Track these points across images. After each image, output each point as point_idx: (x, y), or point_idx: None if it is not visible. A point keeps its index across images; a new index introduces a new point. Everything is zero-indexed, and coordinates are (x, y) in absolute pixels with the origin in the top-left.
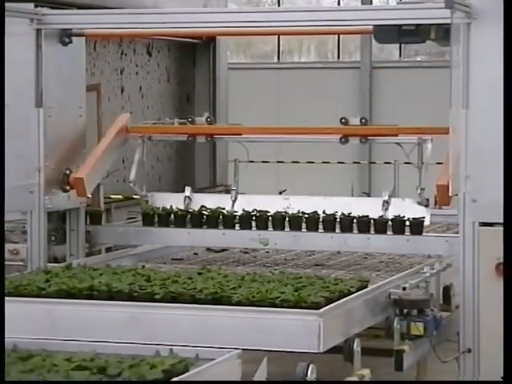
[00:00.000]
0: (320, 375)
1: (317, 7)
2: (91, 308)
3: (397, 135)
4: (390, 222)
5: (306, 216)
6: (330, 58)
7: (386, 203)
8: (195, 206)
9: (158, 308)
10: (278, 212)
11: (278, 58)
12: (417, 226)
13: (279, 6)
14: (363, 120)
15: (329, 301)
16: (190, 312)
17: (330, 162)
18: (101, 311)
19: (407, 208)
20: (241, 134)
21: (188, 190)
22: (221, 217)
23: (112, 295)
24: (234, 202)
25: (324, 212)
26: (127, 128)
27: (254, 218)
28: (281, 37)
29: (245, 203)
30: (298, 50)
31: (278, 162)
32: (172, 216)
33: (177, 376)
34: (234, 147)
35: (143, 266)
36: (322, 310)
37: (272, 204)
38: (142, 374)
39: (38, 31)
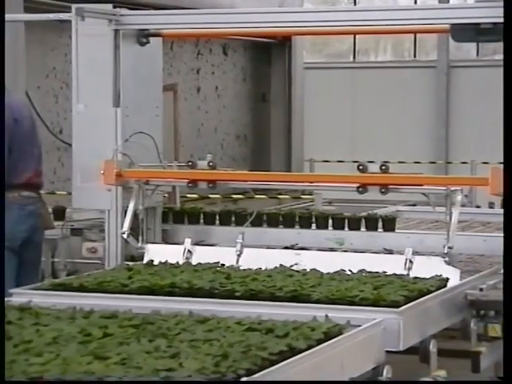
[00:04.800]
0: (395, 375)
1: (393, 6)
2: (172, 305)
3: (421, 185)
4: (363, 220)
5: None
6: (407, 57)
7: (410, 262)
8: (196, 260)
9: (238, 305)
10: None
11: (354, 57)
12: (389, 223)
13: (355, 5)
14: (383, 167)
15: (408, 300)
16: (270, 310)
17: (406, 162)
18: (182, 308)
19: (434, 267)
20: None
21: (188, 242)
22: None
23: (193, 292)
24: (238, 256)
25: None
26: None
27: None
28: (357, 36)
29: (248, 258)
30: (374, 49)
31: (354, 161)
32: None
33: (334, 337)
34: (309, 146)
35: (223, 265)
36: (401, 309)
37: (279, 259)
38: (306, 334)
39: (116, 32)
